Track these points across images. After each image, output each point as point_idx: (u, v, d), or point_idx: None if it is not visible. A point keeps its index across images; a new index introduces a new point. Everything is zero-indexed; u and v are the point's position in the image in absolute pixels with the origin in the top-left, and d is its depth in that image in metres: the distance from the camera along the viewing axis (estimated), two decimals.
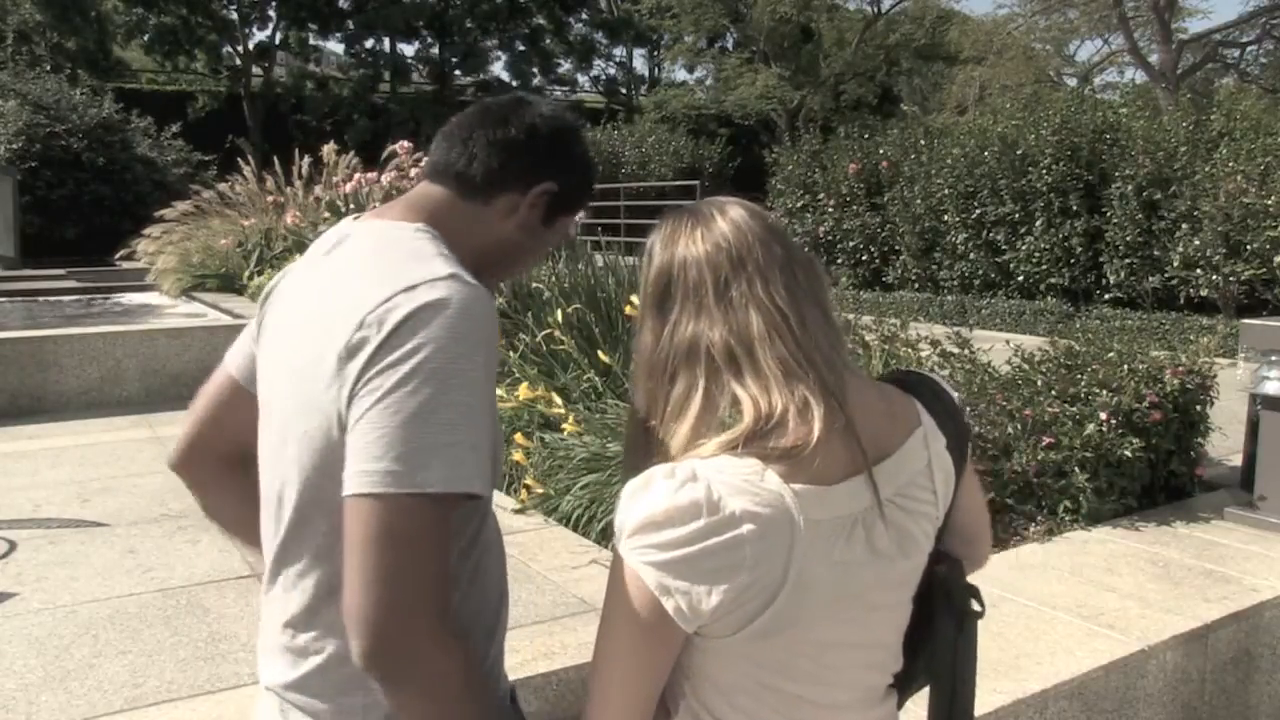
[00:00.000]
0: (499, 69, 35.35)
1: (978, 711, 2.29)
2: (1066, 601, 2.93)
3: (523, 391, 3.89)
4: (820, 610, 0.97)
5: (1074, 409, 3.78)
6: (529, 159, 1.19)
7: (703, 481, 0.92)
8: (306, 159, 10.66)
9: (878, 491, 0.99)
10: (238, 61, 30.62)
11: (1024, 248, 10.34)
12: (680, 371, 1.01)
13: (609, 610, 0.98)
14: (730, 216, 1.04)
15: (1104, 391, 3.81)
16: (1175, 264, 9.10)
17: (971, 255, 10.95)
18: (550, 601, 2.84)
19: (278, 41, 31.60)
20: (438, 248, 1.11)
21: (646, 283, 1.06)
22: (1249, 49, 23.67)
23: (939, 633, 1.14)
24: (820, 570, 0.95)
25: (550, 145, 1.21)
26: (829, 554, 0.95)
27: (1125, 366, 3.95)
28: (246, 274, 9.39)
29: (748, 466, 0.93)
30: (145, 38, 29.60)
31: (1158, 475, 3.91)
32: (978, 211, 10.84)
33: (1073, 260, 10.02)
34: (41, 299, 10.53)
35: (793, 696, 1.01)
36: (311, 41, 32.79)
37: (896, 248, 11.93)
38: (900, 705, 1.16)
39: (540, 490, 3.62)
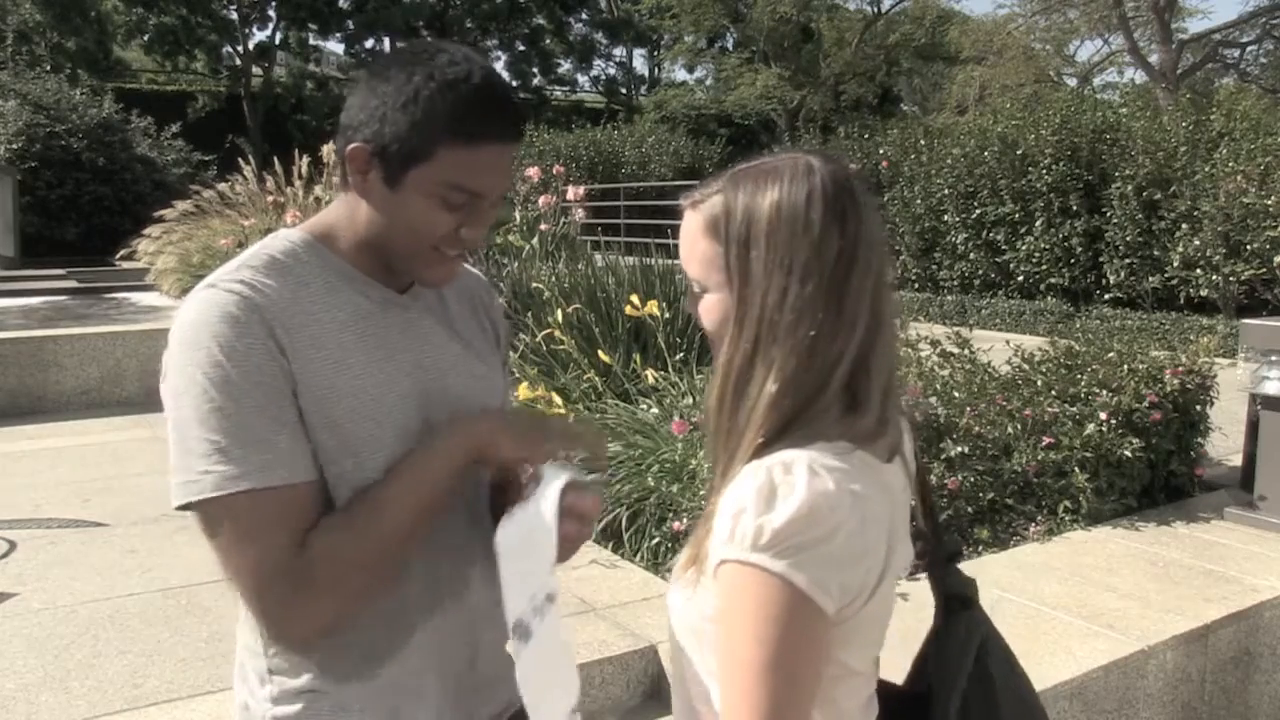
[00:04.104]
0: (499, 69, 35.33)
1: None
2: (1066, 601, 2.93)
3: (522, 391, 3.89)
4: (891, 585, 0.99)
5: (1074, 409, 3.78)
6: (348, 127, 1.08)
7: (822, 472, 0.90)
8: (306, 159, 10.65)
9: (910, 471, 1.04)
10: (238, 61, 30.61)
11: (1024, 248, 10.34)
12: (775, 350, 0.96)
13: (748, 632, 0.89)
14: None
15: (1104, 391, 3.81)
16: (1175, 264, 9.09)
17: (971, 255, 10.95)
18: None
19: (278, 41, 31.59)
20: (253, 255, 1.10)
21: (756, 248, 0.96)
22: (1249, 49, 23.66)
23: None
24: (899, 544, 0.98)
25: (358, 101, 1.08)
26: (901, 528, 0.99)
27: (1125, 366, 3.95)
28: None
29: (846, 450, 0.94)
30: (145, 38, 29.60)
31: (1158, 475, 3.91)
32: (978, 211, 10.83)
33: (1073, 260, 10.01)
34: (66, 298, 10.57)
35: (863, 679, 1.01)
36: (311, 41, 32.80)
37: (896, 248, 11.93)
38: None
39: None
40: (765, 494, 0.89)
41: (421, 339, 1.17)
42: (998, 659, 1.11)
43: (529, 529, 1.04)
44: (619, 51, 38.23)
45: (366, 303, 1.13)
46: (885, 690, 1.11)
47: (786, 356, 0.95)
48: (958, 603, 1.14)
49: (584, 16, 36.12)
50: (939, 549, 1.19)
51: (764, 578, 0.88)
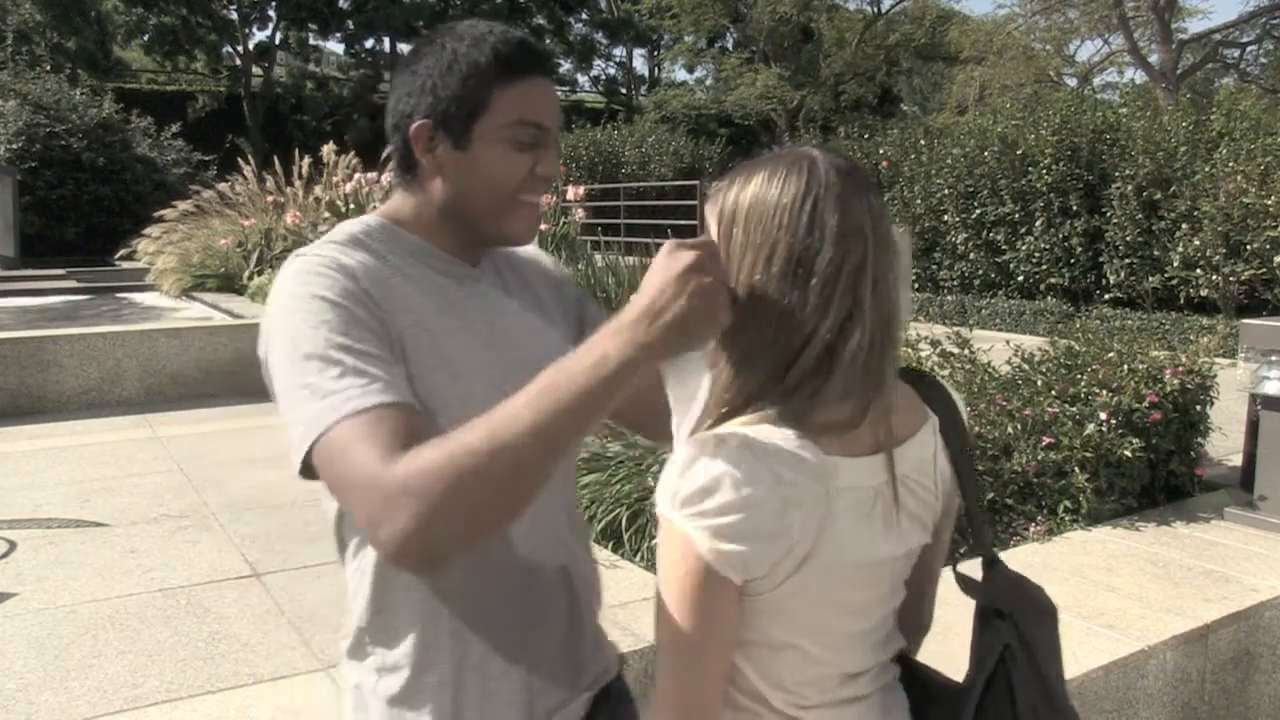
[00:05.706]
0: None
1: None
2: (1066, 601, 2.93)
3: None
4: (843, 574, 1.02)
5: (1074, 409, 3.78)
6: (400, 116, 1.15)
7: (751, 450, 0.96)
8: (306, 159, 10.67)
9: (894, 470, 1.05)
10: (238, 61, 30.63)
11: (1024, 248, 10.34)
12: (749, 330, 1.01)
13: (666, 576, 1.00)
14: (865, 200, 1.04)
15: (1104, 391, 3.81)
16: (1175, 264, 9.10)
17: (971, 255, 10.95)
18: None
19: (278, 41, 31.61)
20: (334, 234, 1.15)
21: (737, 228, 1.03)
22: (1249, 49, 23.67)
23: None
24: (847, 535, 1.00)
25: (399, 93, 1.15)
26: (854, 520, 1.01)
27: (1125, 366, 3.94)
28: (247, 274, 9.40)
29: (789, 437, 0.98)
30: (145, 38, 29.60)
31: (1158, 475, 3.91)
32: (978, 211, 10.84)
33: (1073, 260, 10.02)
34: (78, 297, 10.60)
35: (809, 657, 1.04)
36: (311, 41, 32.82)
37: None
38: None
39: None
40: (690, 460, 0.97)
41: (496, 312, 1.21)
42: (1023, 674, 1.10)
43: None
44: (619, 51, 38.26)
45: (442, 278, 1.17)
46: (935, 682, 1.16)
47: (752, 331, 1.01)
48: (990, 613, 1.15)
49: (584, 16, 36.12)
50: (970, 552, 1.19)
51: (676, 531, 0.98)
